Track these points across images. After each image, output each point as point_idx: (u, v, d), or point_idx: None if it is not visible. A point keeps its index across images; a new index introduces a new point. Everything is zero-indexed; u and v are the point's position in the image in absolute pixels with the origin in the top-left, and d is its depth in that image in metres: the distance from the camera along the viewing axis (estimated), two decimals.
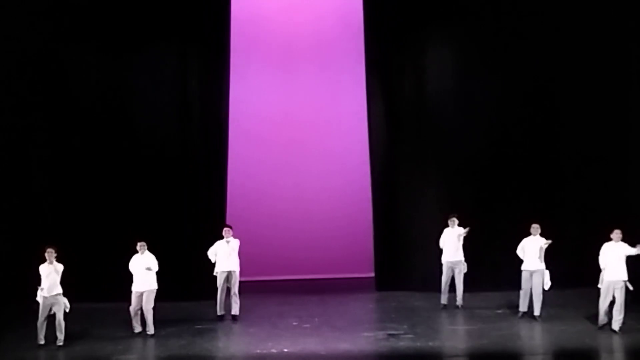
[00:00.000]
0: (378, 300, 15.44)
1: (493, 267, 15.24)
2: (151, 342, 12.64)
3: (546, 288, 13.48)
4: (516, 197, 16.16)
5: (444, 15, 16.29)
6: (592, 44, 16.08)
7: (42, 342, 12.33)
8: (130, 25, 15.90)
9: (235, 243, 14.06)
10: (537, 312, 13.47)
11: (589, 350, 11.82)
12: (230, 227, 14.22)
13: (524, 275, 13.59)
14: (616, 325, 12.47)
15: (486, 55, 16.25)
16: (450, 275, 14.54)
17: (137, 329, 13.06)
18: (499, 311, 14.30)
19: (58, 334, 12.33)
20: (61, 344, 12.31)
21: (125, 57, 16.01)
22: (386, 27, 16.32)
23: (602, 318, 12.67)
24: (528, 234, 13.66)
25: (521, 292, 13.64)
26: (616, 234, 12.65)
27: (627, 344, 11.94)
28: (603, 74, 16.13)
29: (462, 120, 16.19)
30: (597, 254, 12.72)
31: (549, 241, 13.28)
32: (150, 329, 12.97)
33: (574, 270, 14.81)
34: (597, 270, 12.73)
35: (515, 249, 13.67)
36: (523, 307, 13.65)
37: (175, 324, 13.58)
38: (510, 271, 15.20)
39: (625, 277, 12.50)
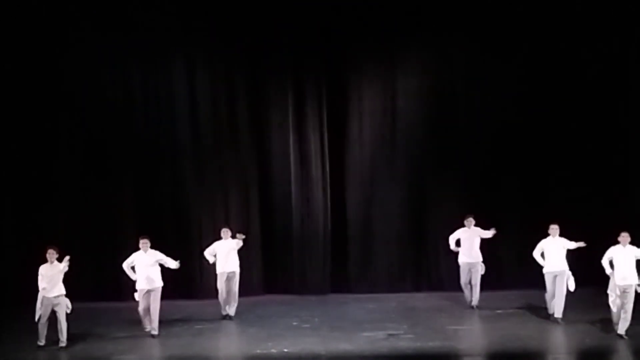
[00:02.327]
0: (378, 301, 15.44)
1: (494, 267, 15.19)
2: (151, 342, 12.62)
3: (572, 289, 13.20)
4: (515, 196, 16.21)
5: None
6: (588, 45, 16.14)
7: (43, 343, 12.28)
8: None
9: (234, 243, 14.05)
10: (558, 314, 13.15)
11: (590, 350, 11.82)
12: (229, 228, 14.20)
13: (548, 278, 13.25)
14: (622, 329, 12.22)
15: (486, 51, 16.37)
16: (469, 276, 14.48)
17: (149, 327, 12.89)
18: (499, 311, 14.29)
19: (60, 335, 12.28)
20: (64, 345, 12.27)
21: None
22: None
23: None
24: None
25: (547, 295, 13.33)
26: (623, 237, 12.32)
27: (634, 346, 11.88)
28: (603, 75, 16.17)
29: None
30: (601, 255, 12.60)
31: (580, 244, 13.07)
32: (155, 329, 12.87)
33: (580, 271, 14.65)
34: (600, 271, 12.61)
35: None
36: (552, 309, 13.31)
37: (175, 324, 13.57)
38: (511, 271, 15.27)
39: (637, 281, 12.21)
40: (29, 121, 15.83)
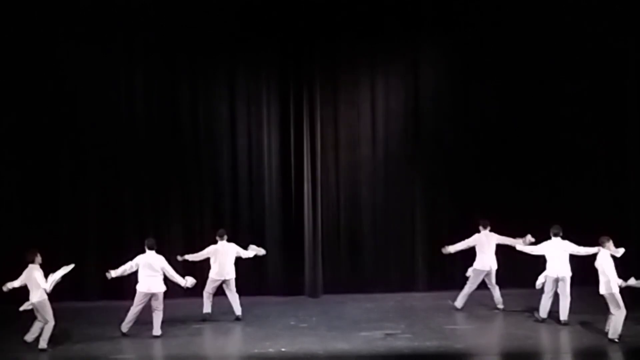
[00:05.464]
0: (375, 300, 15.47)
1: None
2: (150, 342, 12.63)
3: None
4: (515, 197, 16.21)
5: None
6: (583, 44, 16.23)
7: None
8: None
9: (229, 247, 13.97)
10: (564, 317, 13.07)
11: (588, 351, 11.84)
12: (224, 231, 14.13)
13: (549, 281, 13.11)
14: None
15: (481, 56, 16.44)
16: (479, 282, 14.31)
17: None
18: (498, 311, 14.31)
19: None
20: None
21: None
22: None
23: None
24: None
25: (545, 297, 13.17)
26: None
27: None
28: (601, 75, 16.25)
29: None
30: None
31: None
32: (158, 330, 12.82)
33: (578, 271, 14.54)
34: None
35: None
36: (544, 313, 13.20)
37: (173, 323, 13.58)
38: (509, 271, 15.27)
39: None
40: (33, 124, 15.86)
